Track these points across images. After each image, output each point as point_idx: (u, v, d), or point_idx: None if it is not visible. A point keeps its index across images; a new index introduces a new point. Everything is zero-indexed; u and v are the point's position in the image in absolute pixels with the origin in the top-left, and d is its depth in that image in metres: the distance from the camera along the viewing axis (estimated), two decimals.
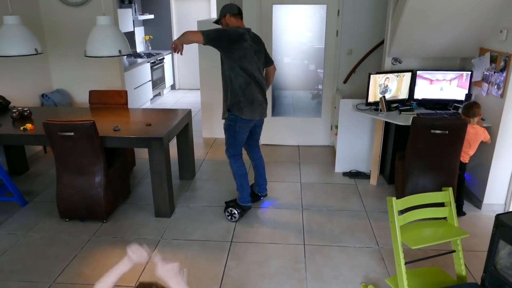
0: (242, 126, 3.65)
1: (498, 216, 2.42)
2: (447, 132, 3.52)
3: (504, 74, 3.64)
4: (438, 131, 3.53)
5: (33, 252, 3.38)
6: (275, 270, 3.16)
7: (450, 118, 3.86)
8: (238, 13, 3.63)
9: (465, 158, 3.78)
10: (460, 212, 3.88)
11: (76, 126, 3.47)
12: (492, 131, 3.81)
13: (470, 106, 3.68)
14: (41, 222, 3.82)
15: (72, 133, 3.48)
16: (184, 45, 3.46)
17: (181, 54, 3.46)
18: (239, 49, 3.49)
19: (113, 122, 4.05)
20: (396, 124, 4.23)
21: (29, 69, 5.24)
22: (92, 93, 4.77)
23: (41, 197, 4.30)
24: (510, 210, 3.90)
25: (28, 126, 3.88)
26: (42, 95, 5.41)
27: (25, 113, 4.21)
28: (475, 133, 3.66)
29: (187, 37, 3.44)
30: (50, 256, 3.32)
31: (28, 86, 5.22)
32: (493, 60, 3.84)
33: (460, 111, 3.93)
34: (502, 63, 3.67)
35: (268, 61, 3.85)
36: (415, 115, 3.94)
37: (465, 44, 4.18)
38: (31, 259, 3.28)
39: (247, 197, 3.91)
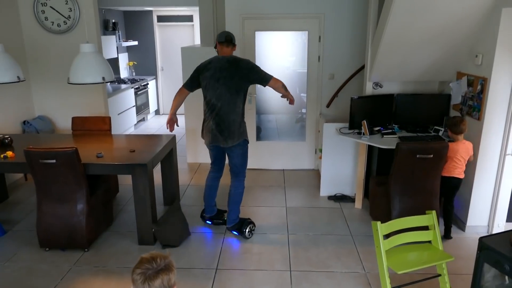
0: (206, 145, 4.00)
1: (481, 239, 2.44)
2: (432, 155, 3.57)
3: (481, 97, 3.74)
4: (423, 156, 3.56)
5: (11, 283, 3.26)
6: None
7: (433, 141, 3.90)
8: (225, 41, 3.73)
9: (461, 173, 3.78)
10: (448, 235, 3.89)
11: (58, 153, 3.42)
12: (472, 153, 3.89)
13: (457, 123, 3.74)
14: (20, 251, 3.71)
15: (54, 161, 3.42)
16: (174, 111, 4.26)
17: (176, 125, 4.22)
18: (203, 80, 3.80)
19: (96, 149, 4.00)
20: (379, 148, 4.28)
21: (11, 95, 5.18)
22: (75, 120, 4.73)
23: (20, 226, 4.18)
24: (493, 232, 3.94)
25: (9, 153, 3.81)
26: (24, 122, 5.34)
27: (6, 141, 4.13)
28: (466, 148, 3.74)
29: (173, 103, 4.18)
30: (29, 287, 3.21)
31: (9, 113, 5.15)
32: (470, 83, 3.95)
33: (444, 130, 4.11)
34: (479, 87, 3.78)
35: (262, 82, 3.77)
36: (399, 140, 4.01)
37: (443, 69, 4.30)
38: None
39: (206, 206, 4.23)
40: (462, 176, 3.79)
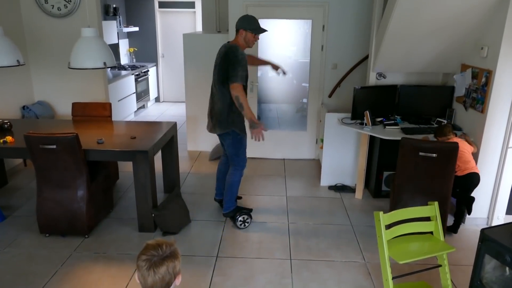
0: None
1: (483, 231, 2.44)
2: (436, 155, 3.42)
3: (486, 90, 3.72)
4: (426, 154, 3.43)
5: (11, 268, 3.26)
6: (262, 286, 3.12)
7: (440, 141, 3.72)
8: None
9: (476, 167, 3.69)
10: (455, 230, 3.86)
11: (58, 138, 3.39)
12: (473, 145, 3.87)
13: (441, 127, 3.72)
14: (20, 237, 3.70)
15: (54, 146, 3.40)
16: None
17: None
18: None
19: (96, 135, 3.98)
20: (381, 138, 4.27)
21: (10, 80, 5.13)
22: (75, 105, 4.69)
23: (20, 212, 4.17)
24: (493, 224, 3.95)
25: (8, 138, 3.78)
26: (23, 107, 5.30)
27: (5, 125, 4.10)
28: (462, 142, 3.69)
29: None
30: (29, 273, 3.21)
31: (8, 98, 5.11)
32: (474, 76, 3.93)
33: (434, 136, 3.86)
34: (483, 80, 3.76)
35: (228, 79, 3.53)
36: (401, 131, 3.98)
37: (447, 60, 4.27)
38: (9, 276, 3.17)
39: (216, 189, 4.29)
40: (478, 170, 3.69)
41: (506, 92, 3.65)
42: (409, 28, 3.86)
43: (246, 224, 3.93)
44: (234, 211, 3.96)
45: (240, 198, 4.42)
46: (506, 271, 2.41)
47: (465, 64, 4.14)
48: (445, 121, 4.22)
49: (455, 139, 3.69)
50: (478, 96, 3.84)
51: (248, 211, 4.00)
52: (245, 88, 3.69)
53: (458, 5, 3.57)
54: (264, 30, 3.68)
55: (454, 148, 3.41)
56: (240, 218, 3.90)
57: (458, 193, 3.79)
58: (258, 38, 3.71)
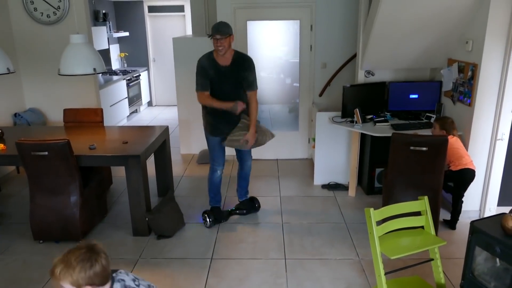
0: None
1: (473, 223, 2.48)
2: (427, 149, 3.45)
3: (472, 84, 3.76)
4: (417, 148, 3.46)
5: (6, 276, 3.26)
6: (257, 286, 3.13)
7: (430, 135, 3.77)
8: None
9: (472, 163, 3.71)
10: (453, 226, 3.88)
11: (50, 145, 3.40)
12: (463, 139, 3.92)
13: (446, 122, 3.71)
14: (14, 244, 3.70)
15: (46, 153, 3.40)
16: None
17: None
18: None
19: (88, 141, 3.98)
20: (372, 136, 4.30)
21: (1, 88, 5.12)
22: (66, 112, 4.69)
23: (13, 219, 4.16)
24: (485, 216, 3.99)
25: (0, 146, 3.78)
26: (15, 114, 5.29)
27: None
28: (451, 140, 3.69)
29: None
30: (23, 280, 3.20)
31: (0, 105, 5.11)
32: (461, 70, 3.97)
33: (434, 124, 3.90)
34: (469, 73, 3.80)
35: None
36: (391, 128, 4.01)
37: (434, 56, 4.32)
38: (4, 283, 3.16)
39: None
40: (473, 166, 3.71)
41: (492, 84, 3.69)
42: (395, 26, 3.90)
43: (209, 223, 3.98)
44: (210, 208, 4.10)
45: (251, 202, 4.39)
46: (496, 262, 2.44)
47: (451, 58, 4.18)
48: (434, 116, 4.26)
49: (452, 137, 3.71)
50: (465, 90, 3.89)
51: (215, 218, 4.01)
52: (223, 91, 3.75)
53: (441, 2, 3.61)
54: (212, 34, 3.59)
55: (444, 141, 3.45)
56: (204, 217, 4.01)
57: (453, 188, 3.82)
58: (219, 43, 3.57)
